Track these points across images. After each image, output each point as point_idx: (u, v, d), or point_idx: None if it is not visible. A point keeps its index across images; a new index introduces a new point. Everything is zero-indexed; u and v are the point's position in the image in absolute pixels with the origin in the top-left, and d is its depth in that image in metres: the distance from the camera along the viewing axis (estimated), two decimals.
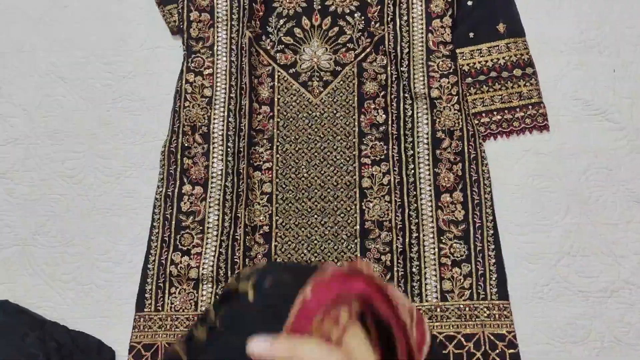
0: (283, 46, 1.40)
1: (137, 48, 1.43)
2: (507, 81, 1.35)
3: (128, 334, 1.20)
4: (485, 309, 1.19)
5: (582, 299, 1.20)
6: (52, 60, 1.43)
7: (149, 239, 1.26)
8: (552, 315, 1.19)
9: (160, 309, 1.21)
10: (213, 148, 1.32)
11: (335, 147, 1.32)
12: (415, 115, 1.32)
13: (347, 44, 1.40)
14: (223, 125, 1.33)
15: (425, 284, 1.21)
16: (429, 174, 1.28)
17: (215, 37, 1.40)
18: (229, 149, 1.31)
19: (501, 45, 1.38)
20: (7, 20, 1.47)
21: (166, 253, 1.25)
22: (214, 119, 1.34)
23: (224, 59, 1.39)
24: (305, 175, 1.30)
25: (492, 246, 1.23)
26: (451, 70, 1.36)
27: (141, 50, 1.43)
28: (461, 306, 1.19)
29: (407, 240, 1.24)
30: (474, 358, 1.16)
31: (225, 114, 1.34)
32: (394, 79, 1.35)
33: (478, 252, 1.23)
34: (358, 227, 1.26)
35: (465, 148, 1.30)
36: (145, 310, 1.21)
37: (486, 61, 1.37)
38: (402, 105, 1.33)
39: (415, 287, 1.21)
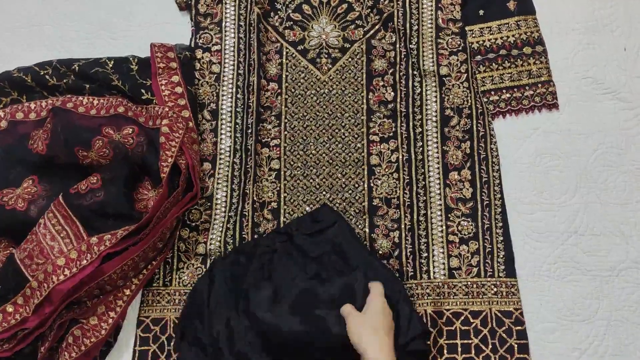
0: (291, 23, 1.39)
1: (146, 24, 1.43)
2: (516, 59, 1.34)
3: (136, 308, 1.20)
4: (492, 287, 1.19)
5: (589, 278, 1.20)
6: (61, 35, 1.43)
7: None
8: (559, 294, 1.19)
9: (168, 284, 1.22)
10: (221, 124, 1.32)
11: (343, 124, 1.31)
12: (424, 93, 1.32)
13: (356, 21, 1.39)
14: (231, 102, 1.33)
15: (433, 261, 1.21)
16: (437, 152, 1.28)
17: (224, 13, 1.39)
18: (237, 126, 1.31)
19: (511, 23, 1.37)
20: None
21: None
22: (222, 95, 1.34)
23: (232, 35, 1.38)
24: (313, 152, 1.30)
25: (500, 224, 1.23)
26: (460, 48, 1.35)
27: (150, 26, 1.43)
28: (468, 283, 1.20)
29: (415, 217, 1.24)
30: (480, 335, 1.16)
31: (234, 90, 1.34)
32: (402, 56, 1.35)
33: (486, 230, 1.23)
34: (366, 203, 1.25)
35: (474, 126, 1.29)
36: (153, 285, 1.22)
37: (496, 39, 1.36)
38: (410, 82, 1.32)
39: (423, 264, 1.21)
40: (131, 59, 1.31)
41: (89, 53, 1.39)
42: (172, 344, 1.17)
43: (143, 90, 1.27)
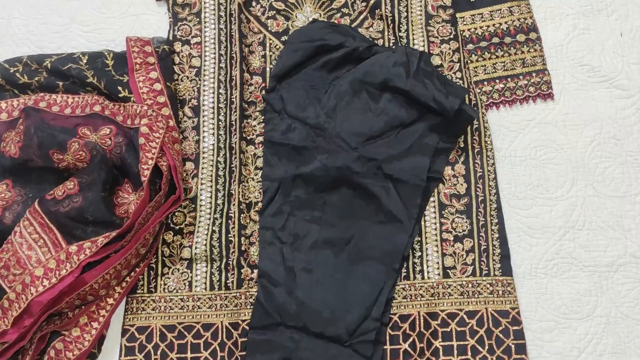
0: (274, 12, 1.33)
1: (121, 15, 1.37)
2: (509, 47, 1.29)
3: (120, 316, 1.16)
4: (488, 285, 1.16)
5: (587, 274, 1.18)
6: (30, 29, 1.36)
7: None
8: (556, 291, 1.17)
9: (153, 290, 1.17)
10: (203, 122, 1.26)
11: None
12: None
13: (342, 9, 1.33)
14: (213, 98, 1.27)
15: (427, 261, 1.18)
16: None
17: (203, 3, 1.33)
18: (220, 122, 1.26)
19: (503, 9, 1.32)
20: None
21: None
22: (204, 91, 1.28)
23: (213, 26, 1.32)
24: None
25: (495, 220, 1.19)
26: (452, 36, 1.30)
27: (125, 17, 1.36)
28: (463, 283, 1.16)
29: None
30: (477, 335, 1.13)
31: (215, 85, 1.28)
32: (391, 44, 1.29)
33: (481, 227, 1.19)
34: None
35: None
36: (137, 291, 1.17)
37: (488, 26, 1.31)
38: None
39: (417, 264, 1.17)
40: (106, 53, 1.25)
41: (61, 47, 1.33)
42: (159, 352, 1.13)
43: (120, 87, 1.21)
